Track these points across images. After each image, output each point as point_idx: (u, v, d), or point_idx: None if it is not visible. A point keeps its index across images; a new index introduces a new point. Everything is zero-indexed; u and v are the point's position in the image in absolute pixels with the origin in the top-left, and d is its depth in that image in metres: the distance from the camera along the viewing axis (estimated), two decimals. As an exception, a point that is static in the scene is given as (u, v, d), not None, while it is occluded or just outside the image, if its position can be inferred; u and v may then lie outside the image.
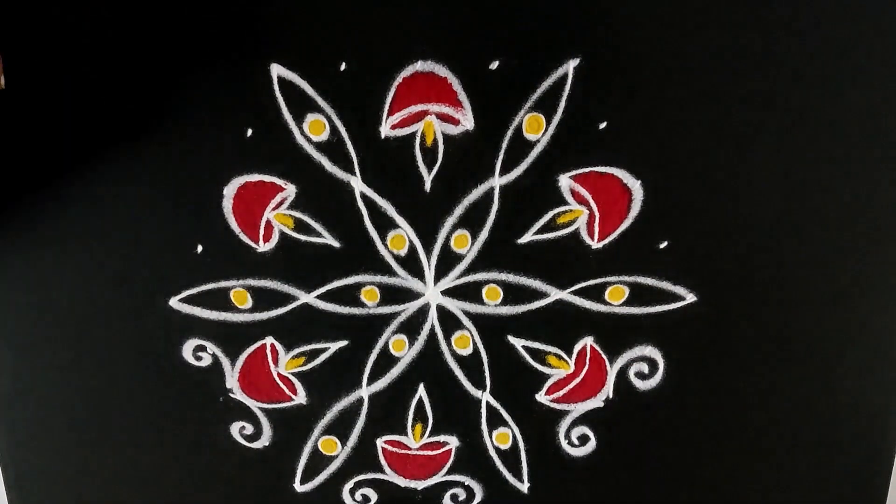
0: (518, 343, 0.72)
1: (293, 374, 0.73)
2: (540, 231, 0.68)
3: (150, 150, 0.66)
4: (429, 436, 0.75)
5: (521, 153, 0.66)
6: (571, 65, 0.63)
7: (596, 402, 0.74)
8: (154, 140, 0.65)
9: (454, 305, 0.71)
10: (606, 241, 0.68)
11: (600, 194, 0.67)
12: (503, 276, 0.70)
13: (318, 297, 0.71)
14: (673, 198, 0.67)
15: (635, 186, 0.66)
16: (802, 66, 0.63)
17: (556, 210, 0.68)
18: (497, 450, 0.76)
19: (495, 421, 0.75)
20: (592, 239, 0.68)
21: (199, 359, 0.73)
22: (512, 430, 0.75)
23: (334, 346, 0.72)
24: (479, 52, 0.63)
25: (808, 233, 0.68)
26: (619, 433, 0.75)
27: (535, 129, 0.65)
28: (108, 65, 0.63)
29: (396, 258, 0.70)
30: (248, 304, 0.71)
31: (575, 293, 0.70)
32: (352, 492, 0.78)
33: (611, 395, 0.74)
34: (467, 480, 0.77)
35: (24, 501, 0.79)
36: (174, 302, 0.71)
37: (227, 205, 0.67)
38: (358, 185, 0.67)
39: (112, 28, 0.62)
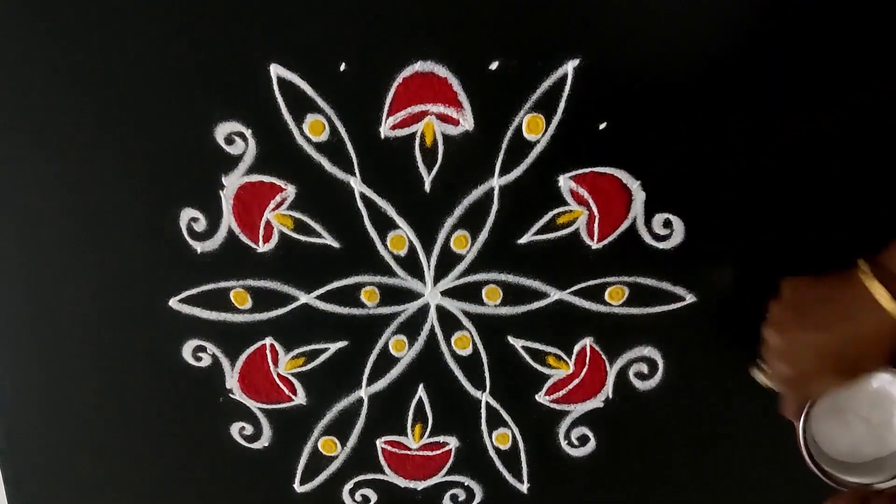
0: (518, 343, 0.72)
1: (293, 374, 0.73)
2: (540, 231, 0.68)
3: (150, 150, 0.66)
4: (428, 436, 0.75)
5: (521, 153, 0.66)
6: (571, 65, 0.63)
7: (596, 403, 0.74)
8: (154, 140, 0.66)
9: (454, 306, 0.71)
10: (606, 241, 0.68)
11: (600, 194, 0.67)
12: (503, 277, 0.70)
13: (318, 297, 0.71)
14: (672, 198, 0.67)
15: (635, 186, 0.67)
16: (803, 68, 0.63)
17: (556, 210, 0.68)
18: (497, 450, 0.76)
19: (495, 421, 0.75)
20: (592, 239, 0.68)
21: (199, 359, 0.73)
22: (512, 431, 0.75)
23: (334, 347, 0.72)
24: (479, 52, 0.63)
25: (807, 233, 0.68)
26: (618, 433, 0.75)
27: (535, 129, 0.65)
28: (110, 66, 0.63)
29: (396, 258, 0.70)
30: (248, 304, 0.71)
31: (575, 293, 0.70)
32: (351, 492, 0.78)
33: (610, 396, 0.73)
34: (467, 481, 0.77)
35: (24, 501, 0.79)
36: (174, 302, 0.71)
37: (227, 205, 0.68)
38: (358, 185, 0.67)
39: (113, 29, 0.62)
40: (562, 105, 0.64)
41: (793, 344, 0.54)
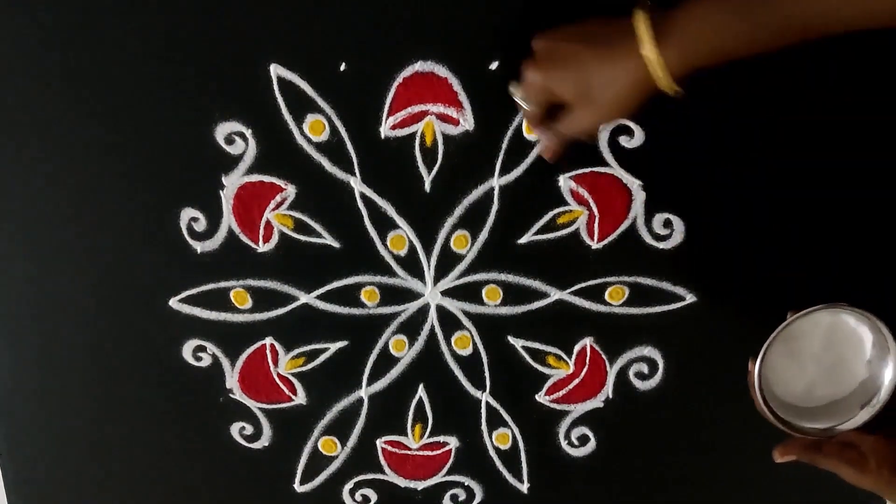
0: (518, 343, 0.72)
1: (293, 374, 0.73)
2: (540, 231, 0.68)
3: (150, 150, 0.66)
4: (429, 436, 0.75)
5: (521, 153, 0.66)
6: (571, 65, 0.63)
7: (596, 403, 0.74)
8: (154, 140, 0.66)
9: (454, 306, 0.71)
10: (606, 241, 0.68)
11: (600, 194, 0.67)
12: (503, 277, 0.70)
13: (318, 297, 0.71)
14: (672, 198, 0.67)
15: (635, 186, 0.67)
16: (802, 68, 0.63)
17: (556, 210, 0.68)
18: (497, 450, 0.76)
19: (495, 421, 0.75)
20: (592, 239, 0.68)
21: (199, 359, 0.73)
22: (512, 431, 0.75)
23: (334, 347, 0.72)
24: (479, 52, 0.63)
25: (807, 234, 0.68)
26: (618, 433, 0.75)
27: (535, 129, 0.65)
28: (110, 66, 0.63)
29: (396, 258, 0.70)
30: (248, 304, 0.71)
31: (575, 293, 0.70)
32: (352, 492, 0.78)
33: (610, 396, 0.74)
34: (467, 481, 0.77)
35: (25, 501, 0.79)
36: (174, 302, 0.71)
37: (227, 205, 0.68)
38: (358, 185, 0.67)
39: (113, 29, 0.62)
40: (562, 105, 0.64)
41: (554, 51, 0.52)
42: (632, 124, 0.65)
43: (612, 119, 0.50)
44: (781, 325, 0.61)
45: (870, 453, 0.59)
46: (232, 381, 0.73)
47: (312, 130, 0.65)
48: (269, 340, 0.72)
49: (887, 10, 0.43)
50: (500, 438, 0.75)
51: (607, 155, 0.66)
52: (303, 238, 0.69)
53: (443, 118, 0.65)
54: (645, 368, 0.73)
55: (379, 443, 0.76)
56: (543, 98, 0.54)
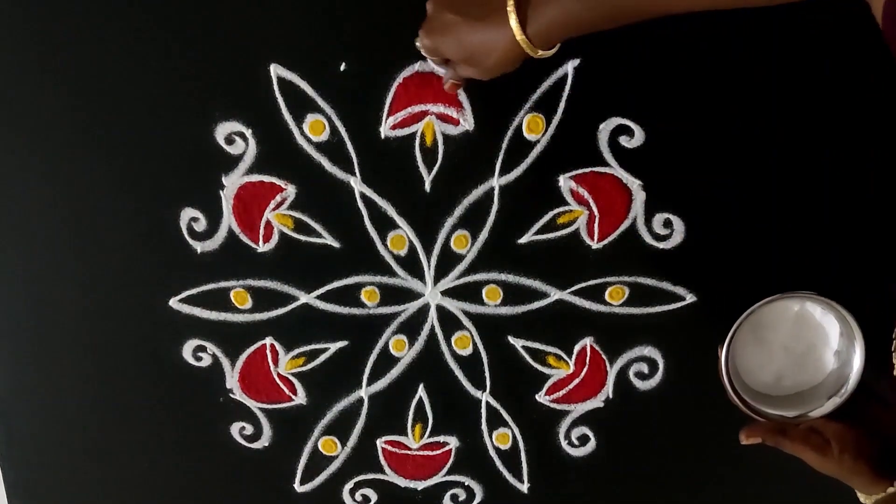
0: (518, 343, 0.72)
1: (293, 374, 0.73)
2: (540, 231, 0.68)
3: (150, 150, 0.66)
4: (429, 436, 0.75)
5: (521, 153, 0.66)
6: (571, 65, 0.63)
7: (596, 403, 0.74)
8: (154, 140, 0.66)
9: (454, 306, 0.71)
10: (606, 241, 0.68)
11: (600, 194, 0.67)
12: (503, 277, 0.70)
13: (318, 297, 0.71)
14: (672, 198, 0.67)
15: (635, 186, 0.67)
16: (801, 68, 0.63)
17: (556, 210, 0.68)
18: (497, 450, 0.76)
19: (495, 421, 0.75)
20: (592, 239, 0.68)
21: (199, 359, 0.73)
22: (512, 431, 0.75)
23: (334, 347, 0.72)
24: (478, 53, 0.63)
25: (807, 234, 0.68)
26: (618, 433, 0.75)
27: (535, 129, 0.65)
28: (111, 66, 0.63)
29: (396, 258, 0.70)
30: (248, 304, 0.71)
31: (575, 293, 0.70)
32: (352, 492, 0.78)
33: (610, 396, 0.74)
34: (467, 481, 0.77)
35: (24, 501, 0.79)
36: (174, 302, 0.71)
37: (227, 205, 0.68)
38: (358, 185, 0.67)
39: (114, 29, 0.62)
40: (562, 105, 0.64)
41: (438, 20, 0.56)
42: (632, 124, 0.65)
43: (495, 76, 0.56)
44: (746, 312, 0.61)
45: (833, 439, 0.60)
46: (232, 381, 0.73)
47: (312, 130, 0.65)
48: (269, 340, 0.72)
49: None
50: (500, 438, 0.75)
51: (607, 155, 0.66)
52: (303, 238, 0.69)
53: (443, 118, 0.65)
54: (645, 368, 0.73)
55: (379, 443, 0.76)
56: (435, 56, 0.59)
